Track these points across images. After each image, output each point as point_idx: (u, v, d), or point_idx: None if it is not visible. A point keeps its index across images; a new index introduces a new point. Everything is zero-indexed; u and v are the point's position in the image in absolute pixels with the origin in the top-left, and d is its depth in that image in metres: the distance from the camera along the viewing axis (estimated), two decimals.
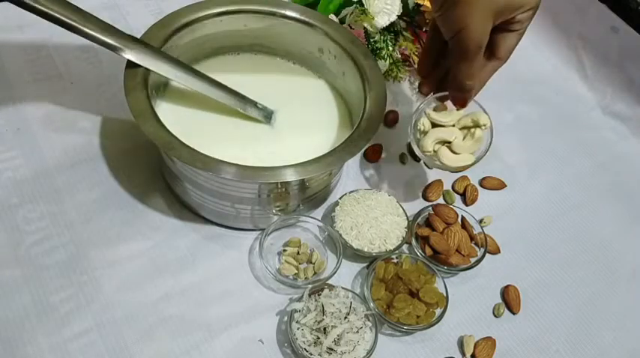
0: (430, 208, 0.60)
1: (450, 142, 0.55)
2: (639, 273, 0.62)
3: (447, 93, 0.55)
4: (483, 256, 0.57)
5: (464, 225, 0.59)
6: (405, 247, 0.58)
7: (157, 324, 0.51)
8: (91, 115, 0.63)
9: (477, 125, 0.55)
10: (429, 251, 0.57)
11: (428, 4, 0.68)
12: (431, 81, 0.57)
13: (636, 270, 0.62)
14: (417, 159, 0.65)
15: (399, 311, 0.52)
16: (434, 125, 0.56)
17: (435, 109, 0.56)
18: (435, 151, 0.55)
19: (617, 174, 0.70)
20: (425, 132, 0.56)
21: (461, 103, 0.55)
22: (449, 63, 0.53)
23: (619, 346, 0.56)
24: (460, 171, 0.61)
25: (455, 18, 0.49)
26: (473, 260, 0.57)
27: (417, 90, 0.59)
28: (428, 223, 0.59)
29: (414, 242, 0.57)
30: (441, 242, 0.57)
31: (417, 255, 0.57)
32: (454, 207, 0.60)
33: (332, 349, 0.49)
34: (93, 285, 0.53)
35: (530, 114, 0.75)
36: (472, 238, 0.59)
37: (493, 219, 0.62)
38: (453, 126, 0.56)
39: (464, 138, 0.55)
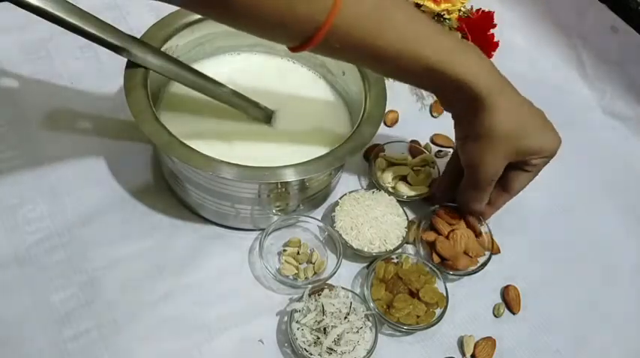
0: (433, 211, 0.59)
1: (405, 176, 0.63)
2: (639, 273, 0.62)
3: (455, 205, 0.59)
4: (489, 259, 0.57)
5: (468, 223, 0.59)
6: (409, 248, 0.58)
7: (157, 324, 0.51)
8: (91, 115, 0.64)
9: (426, 163, 0.64)
10: (436, 258, 0.56)
11: (428, 4, 0.68)
12: (442, 198, 0.60)
13: (636, 270, 0.62)
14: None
15: (399, 311, 0.52)
16: (390, 164, 0.63)
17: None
18: (394, 184, 0.62)
19: (617, 174, 0.70)
20: (383, 170, 0.63)
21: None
22: (462, 185, 0.57)
23: (619, 346, 0.56)
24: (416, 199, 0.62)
25: (474, 151, 0.52)
26: (480, 260, 0.57)
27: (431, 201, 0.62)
28: (432, 227, 0.59)
29: (421, 250, 0.57)
30: (447, 248, 0.56)
31: (425, 262, 0.56)
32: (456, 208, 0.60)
33: (332, 349, 0.49)
34: (93, 285, 0.53)
35: None
36: (477, 235, 0.58)
37: (493, 219, 0.62)
38: (406, 165, 0.63)
39: (417, 174, 0.62)
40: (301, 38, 0.43)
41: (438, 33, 0.48)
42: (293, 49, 0.45)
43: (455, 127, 0.53)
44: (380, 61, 0.47)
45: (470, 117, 0.50)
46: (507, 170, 0.53)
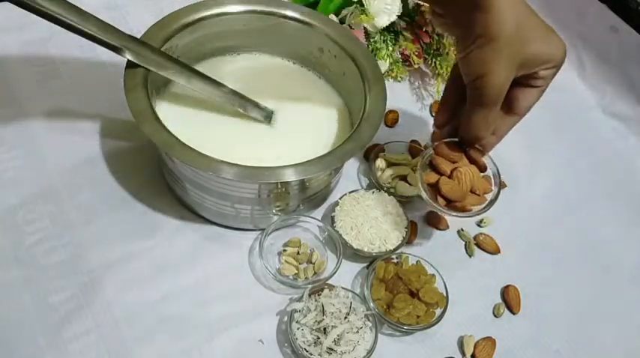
0: (431, 150, 0.54)
1: (405, 176, 0.62)
2: (639, 273, 0.62)
3: (456, 139, 0.54)
4: (497, 197, 0.54)
5: (470, 158, 0.54)
6: (409, 248, 0.58)
7: (157, 324, 0.51)
8: (91, 115, 0.63)
9: None
10: (442, 201, 0.52)
11: (428, 4, 0.68)
12: (444, 132, 0.56)
13: (636, 270, 0.62)
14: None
15: (399, 311, 0.52)
16: (390, 164, 0.63)
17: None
18: (394, 184, 0.62)
19: (617, 174, 0.70)
20: (382, 170, 0.62)
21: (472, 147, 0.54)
22: (465, 110, 0.52)
23: (619, 346, 0.56)
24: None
25: (479, 61, 0.48)
26: (488, 196, 0.54)
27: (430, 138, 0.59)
28: (433, 167, 0.54)
29: (423, 194, 0.53)
30: (453, 189, 0.52)
31: (432, 206, 0.53)
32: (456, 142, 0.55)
33: (332, 349, 0.49)
34: (93, 285, 0.53)
35: (530, 114, 0.74)
36: (481, 169, 0.54)
37: (493, 219, 0.62)
38: (406, 165, 0.63)
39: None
40: None
41: None
42: None
43: (455, 42, 0.50)
44: None
45: (469, 19, 0.46)
46: (512, 88, 0.49)
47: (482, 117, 0.50)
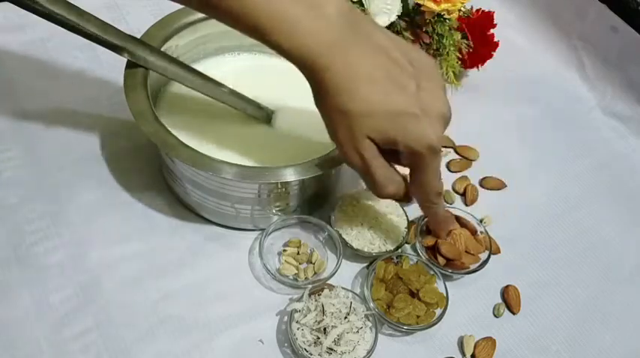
0: (426, 216, 0.58)
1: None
2: (639, 273, 0.62)
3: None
4: (489, 257, 0.57)
5: (462, 223, 0.59)
6: (409, 248, 0.58)
7: (157, 324, 0.51)
8: (91, 115, 0.64)
9: None
10: (441, 260, 0.56)
11: (428, 4, 0.68)
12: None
13: (636, 270, 0.62)
14: None
15: (399, 311, 0.52)
16: None
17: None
18: None
19: (617, 174, 0.70)
20: None
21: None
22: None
23: (619, 346, 0.56)
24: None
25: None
26: (481, 256, 0.57)
27: None
28: (428, 231, 0.58)
29: (423, 255, 0.57)
30: (451, 249, 0.56)
31: (430, 267, 0.56)
32: (449, 207, 0.60)
33: (332, 349, 0.49)
34: (93, 285, 0.53)
35: (530, 114, 0.75)
36: (473, 233, 0.59)
37: (493, 219, 0.62)
38: None
39: None
40: None
41: None
42: None
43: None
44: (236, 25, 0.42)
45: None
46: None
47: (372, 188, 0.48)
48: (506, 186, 0.66)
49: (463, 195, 0.65)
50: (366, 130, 0.43)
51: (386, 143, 0.44)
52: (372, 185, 0.47)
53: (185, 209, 0.58)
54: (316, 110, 0.62)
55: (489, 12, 0.72)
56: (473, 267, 0.56)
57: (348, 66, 0.42)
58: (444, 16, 0.69)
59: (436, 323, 0.53)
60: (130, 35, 0.52)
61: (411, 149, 0.44)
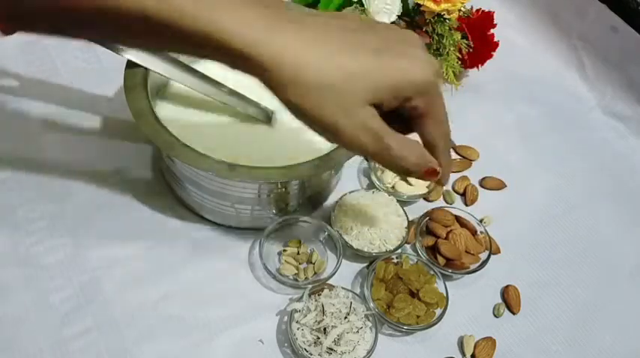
0: (426, 216, 0.59)
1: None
2: (639, 273, 0.62)
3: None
4: (489, 257, 0.57)
5: (462, 223, 0.59)
6: (409, 248, 0.58)
7: (157, 324, 0.51)
8: (91, 115, 0.64)
9: None
10: (441, 260, 0.57)
11: (428, 4, 0.68)
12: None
13: (636, 270, 0.62)
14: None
15: (399, 311, 0.52)
16: None
17: None
18: (394, 184, 0.62)
19: (617, 174, 0.70)
20: (382, 170, 0.62)
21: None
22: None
23: (619, 346, 0.56)
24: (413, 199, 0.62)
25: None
26: (481, 256, 0.57)
27: None
28: (429, 232, 0.59)
29: (423, 255, 0.57)
30: (451, 249, 0.57)
31: (430, 267, 0.56)
32: (449, 208, 0.60)
33: (332, 349, 0.49)
34: (93, 285, 0.53)
35: (530, 114, 0.75)
36: (473, 233, 0.59)
37: (493, 219, 0.62)
38: None
39: None
40: None
41: None
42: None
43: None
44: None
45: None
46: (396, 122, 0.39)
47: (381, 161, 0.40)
48: (506, 186, 0.66)
49: (463, 195, 0.65)
50: (360, 94, 0.36)
51: (389, 94, 0.37)
52: (390, 161, 0.39)
53: (185, 209, 0.58)
54: None
55: (489, 12, 0.72)
56: (473, 267, 0.57)
57: (296, 40, 0.36)
58: (444, 16, 0.69)
59: (436, 323, 0.53)
60: None
61: (417, 83, 0.37)
